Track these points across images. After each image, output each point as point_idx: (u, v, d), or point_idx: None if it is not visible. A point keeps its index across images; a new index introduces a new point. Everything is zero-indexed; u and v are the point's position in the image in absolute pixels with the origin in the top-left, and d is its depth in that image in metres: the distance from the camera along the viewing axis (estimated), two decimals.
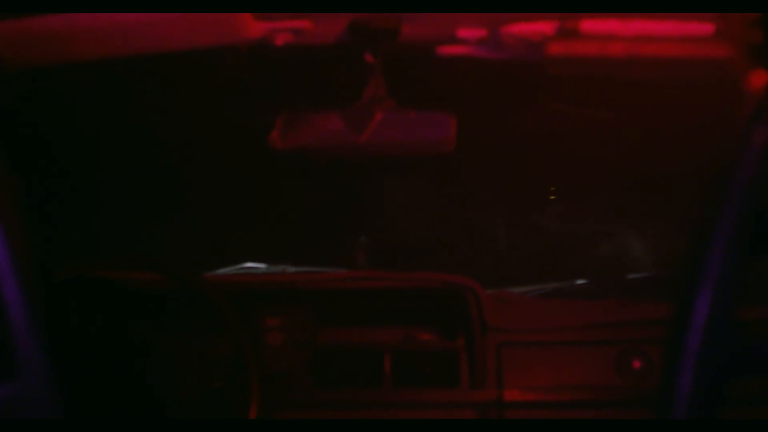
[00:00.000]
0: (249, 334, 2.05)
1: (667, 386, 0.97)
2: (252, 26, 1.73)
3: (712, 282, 0.95)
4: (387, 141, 1.85)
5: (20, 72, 1.75)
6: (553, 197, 2.90)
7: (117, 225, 2.83)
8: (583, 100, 2.41)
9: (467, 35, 1.79)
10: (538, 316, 2.28)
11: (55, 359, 1.06)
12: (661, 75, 1.87)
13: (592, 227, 3.01)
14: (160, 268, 2.11)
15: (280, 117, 1.87)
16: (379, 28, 1.75)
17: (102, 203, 2.82)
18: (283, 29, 1.76)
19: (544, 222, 3.00)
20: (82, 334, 2.12)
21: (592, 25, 1.69)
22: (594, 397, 2.18)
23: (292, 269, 2.81)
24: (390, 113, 1.84)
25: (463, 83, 2.16)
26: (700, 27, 1.65)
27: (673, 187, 2.69)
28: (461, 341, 2.24)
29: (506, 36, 1.75)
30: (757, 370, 0.99)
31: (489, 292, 2.28)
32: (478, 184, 2.91)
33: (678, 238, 2.79)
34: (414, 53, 1.86)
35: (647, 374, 2.18)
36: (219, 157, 2.76)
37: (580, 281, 2.86)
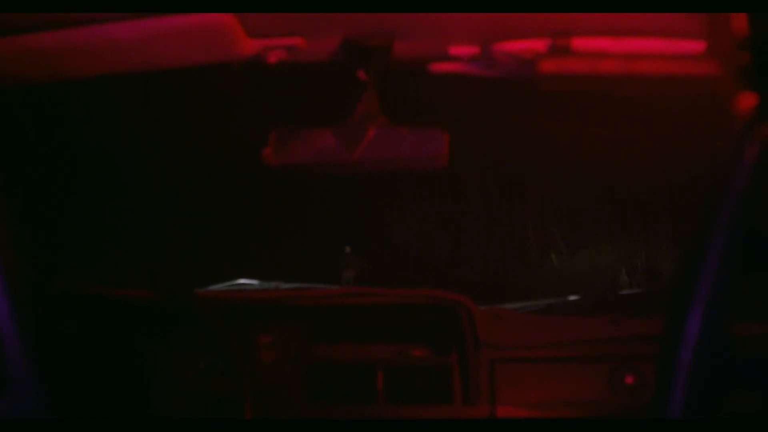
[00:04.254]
0: (242, 350, 2.04)
1: (659, 402, 0.97)
2: (245, 44, 1.73)
3: (704, 298, 0.95)
4: (380, 157, 1.86)
5: (15, 86, 1.75)
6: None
7: (110, 241, 2.83)
8: (574, 116, 2.42)
9: (459, 53, 1.80)
10: (530, 332, 2.28)
11: (47, 374, 1.06)
12: (652, 92, 1.88)
13: (584, 243, 3.01)
14: (153, 284, 2.10)
15: (273, 133, 1.88)
16: (371, 46, 1.76)
17: (95, 219, 2.82)
18: (276, 47, 1.76)
19: (537, 238, 3.00)
20: (73, 348, 2.12)
21: (583, 42, 1.70)
22: (587, 413, 2.18)
23: (285, 286, 2.81)
24: (382, 130, 1.85)
25: (455, 100, 2.17)
26: (690, 45, 1.66)
27: (665, 204, 2.70)
28: (454, 357, 2.24)
29: (498, 53, 1.76)
30: (749, 386, 0.99)
31: (482, 309, 2.28)
32: (470, 200, 2.92)
33: (670, 255, 2.80)
34: (407, 70, 1.87)
35: (640, 390, 2.18)
36: (212, 173, 2.76)
37: (572, 297, 2.86)
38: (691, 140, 2.04)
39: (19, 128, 2.34)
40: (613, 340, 2.24)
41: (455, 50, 1.79)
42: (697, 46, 1.65)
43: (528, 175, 2.80)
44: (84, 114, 2.38)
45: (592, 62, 1.71)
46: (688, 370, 0.95)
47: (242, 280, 2.85)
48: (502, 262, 3.00)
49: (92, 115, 2.40)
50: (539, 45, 1.72)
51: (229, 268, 2.86)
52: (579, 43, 1.69)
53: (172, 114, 2.39)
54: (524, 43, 1.73)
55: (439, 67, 1.85)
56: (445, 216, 2.99)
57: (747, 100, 0.96)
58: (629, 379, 2.19)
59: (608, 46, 1.69)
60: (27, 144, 2.43)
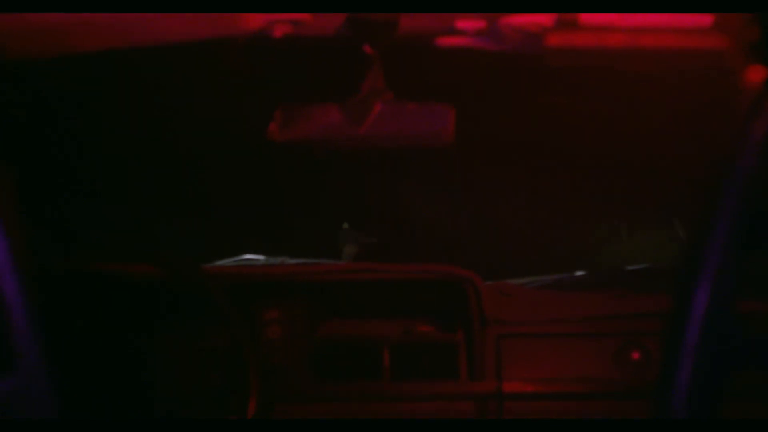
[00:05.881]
0: (247, 326, 2.05)
1: (665, 378, 0.97)
2: (250, 18, 1.72)
3: (710, 274, 0.95)
4: (386, 133, 1.85)
5: (17, 67, 1.74)
6: None
7: (115, 218, 2.83)
8: (581, 92, 2.40)
9: (466, 27, 1.79)
10: (537, 308, 2.28)
11: (53, 353, 1.06)
12: (661, 66, 1.87)
13: (591, 219, 3.01)
14: (158, 261, 2.11)
15: (278, 109, 1.87)
16: (377, 20, 1.75)
17: (99, 196, 2.82)
18: (281, 21, 1.75)
19: (544, 213, 3.00)
20: (79, 327, 2.12)
21: (591, 16, 1.69)
22: (592, 389, 2.18)
23: (291, 261, 2.81)
24: (388, 105, 1.84)
25: (461, 75, 2.16)
26: (698, 18, 1.64)
27: (672, 180, 2.69)
28: (460, 333, 2.24)
29: (505, 27, 1.75)
30: (755, 364, 0.99)
31: (488, 284, 2.28)
32: (476, 175, 2.91)
33: (677, 231, 2.79)
34: (413, 45, 1.86)
35: (646, 366, 2.18)
36: (217, 149, 2.76)
37: (579, 273, 2.86)
38: (699, 115, 2.03)
39: (21, 109, 2.33)
40: (620, 316, 2.23)
41: (462, 24, 1.78)
42: (705, 19, 1.64)
43: (534, 150, 2.79)
44: (88, 91, 2.37)
45: (599, 36, 1.70)
46: (694, 346, 0.95)
47: (248, 256, 2.85)
48: (508, 238, 2.99)
49: (96, 93, 2.39)
50: (546, 19, 1.71)
51: (235, 244, 2.87)
52: (586, 17, 1.68)
53: (175, 90, 2.38)
54: (531, 17, 1.72)
55: (446, 42, 1.84)
56: (448, 192, 2.98)
57: (756, 74, 0.95)
58: (635, 356, 2.19)
59: (616, 20, 1.68)
60: (31, 123, 2.43)
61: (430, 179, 2.95)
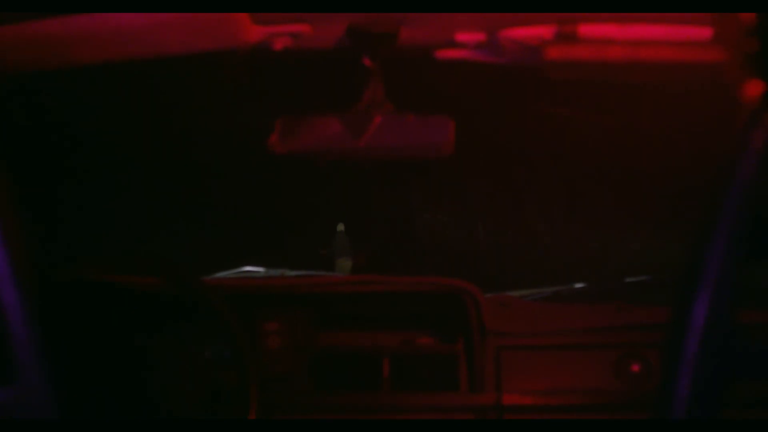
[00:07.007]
0: (248, 337, 2.05)
1: (665, 390, 0.97)
2: (251, 30, 1.73)
3: (710, 286, 0.95)
4: (386, 145, 1.86)
5: (19, 74, 1.75)
6: None
7: (117, 228, 2.84)
8: (581, 103, 2.41)
9: (466, 39, 1.79)
10: (537, 319, 2.28)
11: (54, 362, 1.06)
12: (660, 78, 1.87)
13: (591, 231, 3.01)
14: (159, 271, 2.11)
15: (278, 121, 1.88)
16: (377, 32, 1.76)
17: (101, 207, 2.83)
18: (281, 33, 1.76)
19: (543, 226, 3.00)
20: (80, 336, 2.12)
21: (590, 29, 1.69)
22: (593, 401, 2.18)
23: (291, 273, 2.82)
24: (389, 117, 1.84)
25: (461, 87, 2.17)
26: (697, 31, 1.65)
27: (671, 191, 2.70)
28: (460, 345, 2.24)
29: (505, 40, 1.76)
30: (754, 374, 0.99)
31: (488, 296, 2.28)
32: (477, 187, 2.92)
33: (676, 242, 2.80)
34: (413, 57, 1.86)
35: (646, 378, 2.18)
36: (218, 161, 2.76)
37: (579, 285, 2.86)
38: (698, 128, 2.03)
39: (24, 117, 2.34)
40: (620, 328, 2.24)
41: (461, 37, 1.79)
42: (704, 32, 1.65)
43: (534, 162, 2.80)
44: (90, 102, 2.38)
45: (598, 49, 1.71)
46: (694, 357, 0.95)
47: (248, 268, 2.85)
48: (508, 250, 3.00)
49: (98, 104, 2.40)
50: (546, 32, 1.71)
51: (234, 256, 2.87)
52: (585, 29, 1.68)
53: (176, 102, 2.39)
54: (531, 30, 1.72)
55: (446, 54, 1.85)
56: (448, 203, 2.99)
57: (754, 88, 0.95)
58: (635, 367, 2.19)
59: (615, 33, 1.68)
60: (32, 132, 2.43)
61: (431, 192, 2.95)
